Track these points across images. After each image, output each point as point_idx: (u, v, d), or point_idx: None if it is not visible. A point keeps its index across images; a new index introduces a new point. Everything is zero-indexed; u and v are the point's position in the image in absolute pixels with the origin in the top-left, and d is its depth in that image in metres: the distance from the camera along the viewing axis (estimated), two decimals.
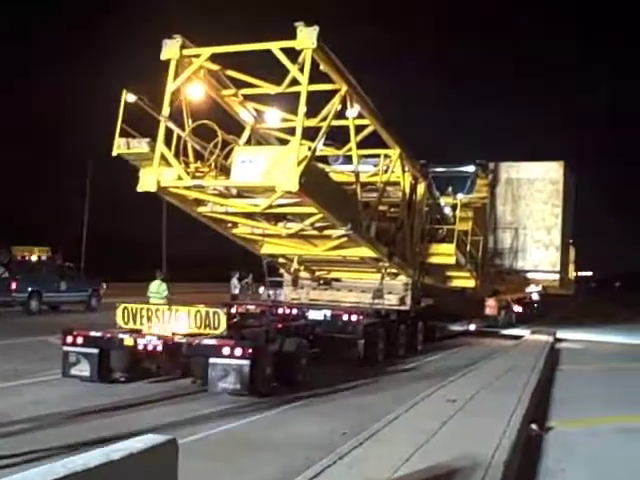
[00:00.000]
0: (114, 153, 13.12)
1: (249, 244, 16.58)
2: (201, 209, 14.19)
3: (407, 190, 16.94)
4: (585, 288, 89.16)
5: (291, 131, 13.10)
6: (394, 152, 15.94)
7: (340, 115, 13.54)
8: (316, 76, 12.41)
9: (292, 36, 11.67)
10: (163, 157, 12.73)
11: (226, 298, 23.37)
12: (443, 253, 18.59)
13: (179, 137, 12.99)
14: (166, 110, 12.73)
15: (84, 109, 56.43)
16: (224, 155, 13.13)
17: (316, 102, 13.23)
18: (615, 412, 11.05)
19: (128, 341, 11.12)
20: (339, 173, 16.58)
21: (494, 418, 8.66)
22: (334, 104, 13.18)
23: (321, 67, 12.41)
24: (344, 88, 12.99)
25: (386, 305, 16.95)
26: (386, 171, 16.07)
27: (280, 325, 13.67)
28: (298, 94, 12.09)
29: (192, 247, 46.75)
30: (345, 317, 15.49)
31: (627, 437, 9.28)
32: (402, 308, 17.58)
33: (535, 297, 33.81)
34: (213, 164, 12.98)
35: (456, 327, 23.84)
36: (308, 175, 11.61)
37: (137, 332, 11.31)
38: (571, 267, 31.18)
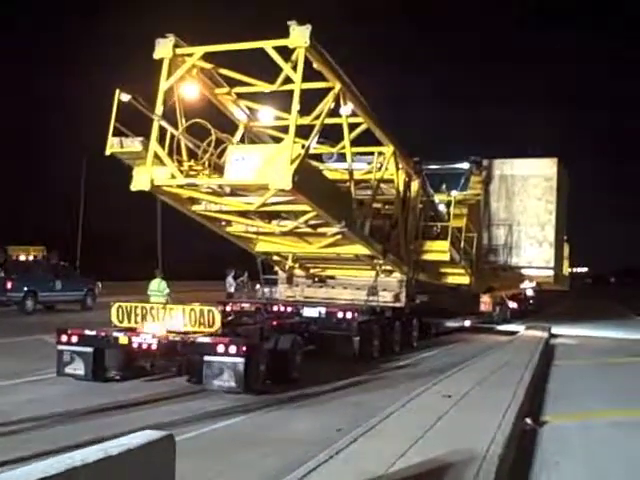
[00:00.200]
0: (107, 152, 13.13)
1: (243, 242, 16.60)
2: (195, 207, 14.20)
3: (401, 187, 16.98)
4: (580, 284, 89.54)
5: (285, 129, 13.12)
6: (388, 149, 15.98)
7: (334, 113, 13.55)
8: (310, 74, 12.44)
9: (286, 34, 11.70)
10: (156, 156, 12.74)
11: (222, 296, 23.40)
12: (437, 250, 18.61)
13: (172, 136, 12.99)
14: (159, 109, 12.74)
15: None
16: (218, 153, 13.15)
17: (310, 100, 13.24)
18: (609, 406, 11.11)
19: (123, 340, 11.12)
20: (333, 171, 16.62)
21: (489, 413, 8.70)
22: (327, 102, 13.20)
23: (314, 65, 12.44)
24: (337, 86, 13.01)
25: (381, 302, 16.98)
26: (380, 168, 16.11)
27: (275, 323, 13.70)
28: (292, 92, 12.11)
29: (189, 245, 46.61)
30: (340, 314, 15.51)
31: (621, 431, 9.34)
32: (397, 305, 17.62)
33: (530, 293, 33.93)
34: (207, 162, 13.00)
35: (451, 323, 23.92)
36: (301, 173, 11.63)
37: (132, 330, 11.32)
38: (565, 263, 31.22)
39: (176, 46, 12.66)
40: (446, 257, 18.64)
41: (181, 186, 13.15)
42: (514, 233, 23.18)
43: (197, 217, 14.71)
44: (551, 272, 23.92)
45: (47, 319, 21.64)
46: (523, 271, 23.79)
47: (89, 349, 11.35)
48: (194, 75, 13.36)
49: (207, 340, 10.74)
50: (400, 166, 16.66)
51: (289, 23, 11.57)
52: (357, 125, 14.89)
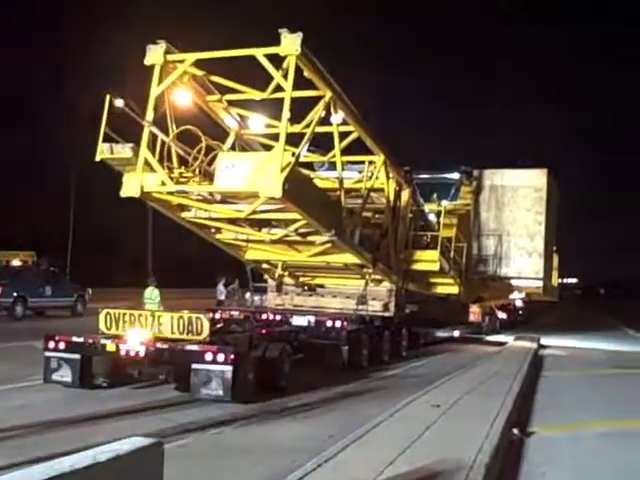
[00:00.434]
0: (97, 158, 13.10)
1: (233, 250, 16.56)
2: (185, 214, 14.17)
3: (391, 197, 17.01)
4: (570, 295, 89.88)
5: (275, 137, 13.11)
6: (378, 159, 16.01)
7: (324, 121, 13.57)
8: (301, 82, 12.46)
9: (277, 42, 11.72)
10: (147, 162, 12.71)
11: (213, 304, 23.34)
12: (427, 260, 18.63)
13: (163, 142, 12.97)
14: (150, 115, 12.72)
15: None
16: (208, 161, 13.13)
17: (301, 108, 13.25)
18: (597, 417, 11.11)
19: (110, 347, 11.05)
20: (324, 179, 16.63)
21: (477, 423, 8.68)
22: (318, 110, 13.22)
23: (305, 73, 12.46)
24: (328, 94, 13.04)
25: (370, 311, 16.96)
26: (370, 177, 16.13)
27: (264, 331, 13.66)
28: (282, 100, 12.12)
29: (179, 253, 46.45)
30: (329, 323, 15.48)
31: (608, 442, 9.33)
32: (386, 314, 17.61)
33: (519, 304, 33.98)
34: (197, 169, 12.99)
35: (440, 333, 23.92)
36: (292, 181, 11.63)
37: (119, 338, 11.25)
38: (555, 274, 31.33)
39: (167, 52, 12.65)
40: (436, 267, 18.66)
41: (171, 193, 13.12)
42: (504, 243, 23.26)
43: (187, 224, 14.67)
44: (540, 283, 24.00)
45: (37, 325, 21.51)
46: (512, 282, 23.85)
47: (76, 356, 11.26)
48: (185, 82, 13.37)
49: (195, 348, 10.67)
50: (391, 175, 16.69)
51: (280, 31, 11.59)
52: (348, 134, 14.93)
